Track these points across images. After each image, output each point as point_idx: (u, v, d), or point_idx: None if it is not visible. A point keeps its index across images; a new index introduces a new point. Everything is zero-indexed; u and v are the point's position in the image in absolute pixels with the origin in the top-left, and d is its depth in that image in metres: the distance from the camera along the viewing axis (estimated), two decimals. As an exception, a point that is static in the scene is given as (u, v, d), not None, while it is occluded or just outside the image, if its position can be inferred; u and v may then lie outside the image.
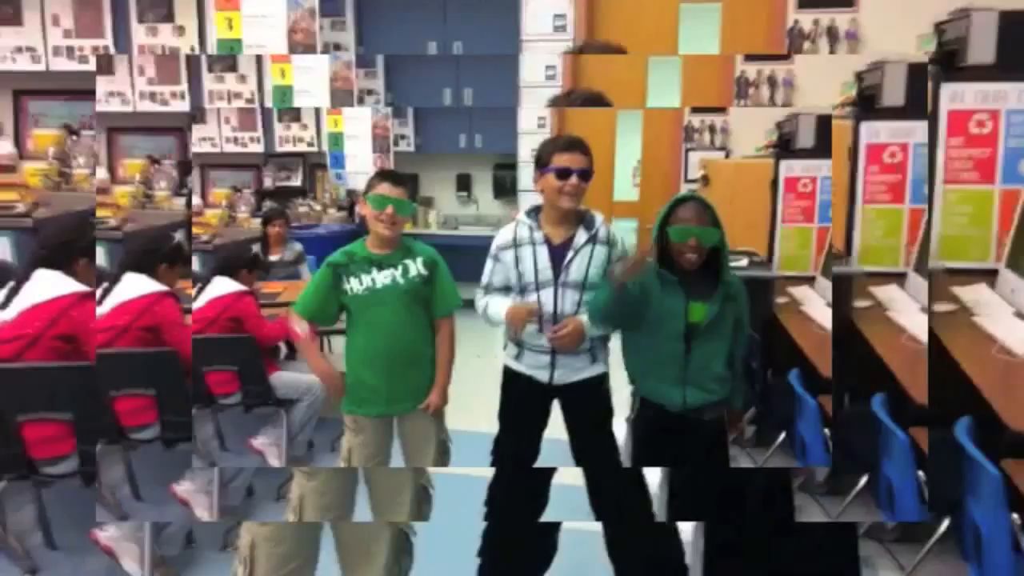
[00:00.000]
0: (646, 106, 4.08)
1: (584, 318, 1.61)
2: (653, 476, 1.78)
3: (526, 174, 4.59)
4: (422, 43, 4.78)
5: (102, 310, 1.98)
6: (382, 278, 1.65)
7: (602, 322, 1.59)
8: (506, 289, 1.69)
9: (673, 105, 3.98)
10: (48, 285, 1.78)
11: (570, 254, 1.61)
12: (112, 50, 4.76)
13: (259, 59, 4.59)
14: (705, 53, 3.93)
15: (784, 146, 3.08)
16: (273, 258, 3.53)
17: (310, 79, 4.29)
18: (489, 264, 1.70)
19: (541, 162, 1.63)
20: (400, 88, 4.97)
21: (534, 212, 1.67)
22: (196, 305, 2.43)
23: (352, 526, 1.64)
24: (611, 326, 1.62)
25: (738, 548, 1.60)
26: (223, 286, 2.47)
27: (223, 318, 2.39)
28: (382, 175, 1.69)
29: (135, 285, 2.01)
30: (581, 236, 1.62)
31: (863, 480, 1.77)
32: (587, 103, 1.58)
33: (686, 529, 1.72)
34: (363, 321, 1.65)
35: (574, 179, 1.57)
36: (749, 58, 3.33)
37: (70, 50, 4.78)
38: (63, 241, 1.87)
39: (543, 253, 1.61)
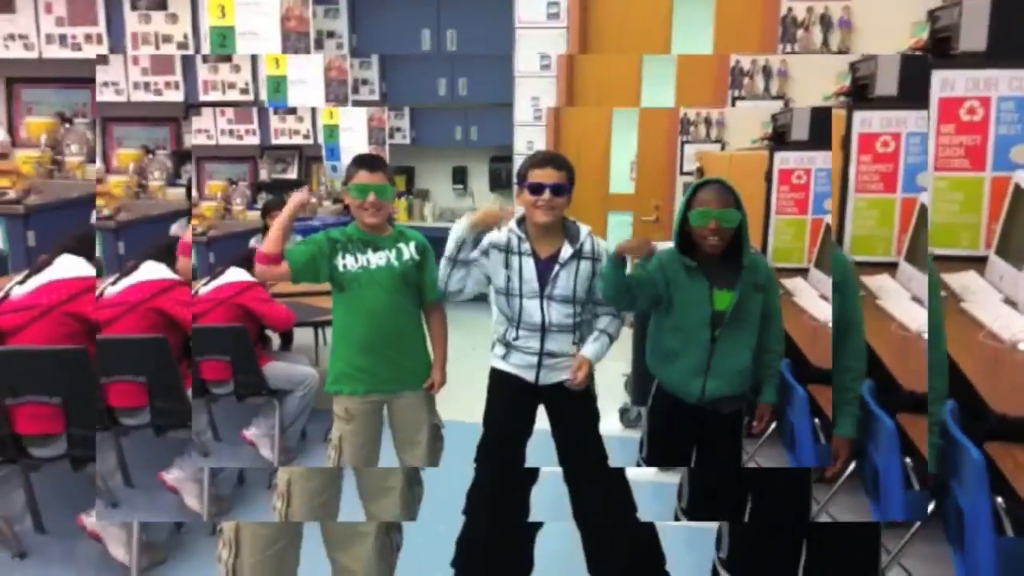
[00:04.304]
0: (640, 104, 4.19)
1: (589, 354, 1.64)
2: (645, 474, 1.77)
3: (521, 166, 4.59)
4: (416, 32, 4.77)
5: (116, 288, 2.15)
6: (377, 259, 1.65)
7: (608, 296, 1.60)
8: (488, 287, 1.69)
9: (667, 104, 4.07)
10: (69, 267, 1.94)
11: (556, 268, 1.62)
12: (105, 38, 4.73)
13: (254, 57, 4.58)
14: (699, 49, 3.95)
15: (779, 138, 3.08)
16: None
17: (304, 70, 4.29)
18: (476, 254, 1.68)
19: (520, 178, 1.66)
20: (395, 80, 4.97)
21: (522, 223, 1.68)
22: (207, 288, 2.50)
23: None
24: (619, 301, 1.62)
25: (757, 550, 1.59)
26: (237, 275, 2.54)
27: (231, 302, 2.46)
28: (358, 162, 1.67)
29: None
30: (566, 250, 1.63)
31: (851, 467, 1.77)
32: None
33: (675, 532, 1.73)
34: (355, 302, 1.64)
35: (546, 194, 1.59)
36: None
37: (63, 38, 4.77)
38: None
39: (529, 265, 1.62)
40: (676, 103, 4.08)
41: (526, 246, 1.63)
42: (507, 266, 1.62)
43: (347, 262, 1.64)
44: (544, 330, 1.62)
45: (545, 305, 1.62)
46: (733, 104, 3.38)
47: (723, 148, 4.22)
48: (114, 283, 2.22)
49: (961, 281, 1.81)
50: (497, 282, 1.65)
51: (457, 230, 1.63)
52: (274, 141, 5.12)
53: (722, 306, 1.55)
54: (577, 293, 1.62)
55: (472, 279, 1.67)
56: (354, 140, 4.71)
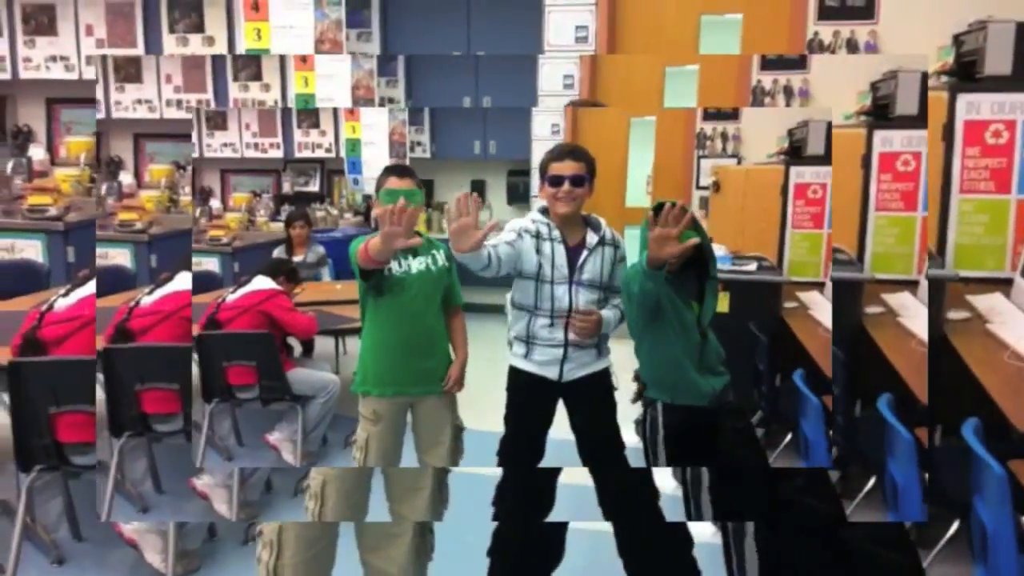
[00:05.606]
0: (662, 109, 4.21)
1: (605, 312, 1.66)
2: (665, 476, 1.79)
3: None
4: (447, 55, 4.88)
5: (152, 299, 2.33)
6: (417, 264, 1.71)
7: (640, 309, 1.56)
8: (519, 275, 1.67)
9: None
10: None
11: (584, 253, 1.66)
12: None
13: (283, 66, 4.70)
14: (725, 75, 3.97)
15: (795, 153, 3.10)
16: (296, 259, 3.59)
17: (332, 86, 4.39)
18: (509, 235, 1.64)
19: (540, 173, 1.70)
20: (420, 98, 5.08)
21: (547, 212, 1.70)
22: (233, 295, 2.59)
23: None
24: (640, 307, 1.59)
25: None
26: (262, 283, 2.63)
27: (256, 309, 2.54)
28: (388, 171, 1.75)
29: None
30: (592, 238, 1.67)
31: (871, 482, 1.78)
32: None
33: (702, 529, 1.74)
34: (396, 305, 1.69)
35: (566, 185, 1.62)
36: (765, 67, 3.33)
37: (103, 60, 4.93)
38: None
39: (560, 251, 1.65)
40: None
41: (556, 233, 1.65)
42: (539, 252, 1.64)
43: (391, 266, 1.68)
44: (570, 317, 1.63)
45: (573, 290, 1.64)
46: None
47: (739, 162, 4.24)
48: (149, 293, 2.31)
49: (987, 303, 1.82)
50: (528, 267, 1.63)
51: (463, 260, 1.55)
52: (297, 154, 5.24)
53: (696, 310, 1.59)
54: (603, 278, 1.66)
55: (503, 254, 1.58)
56: (376, 153, 4.79)
